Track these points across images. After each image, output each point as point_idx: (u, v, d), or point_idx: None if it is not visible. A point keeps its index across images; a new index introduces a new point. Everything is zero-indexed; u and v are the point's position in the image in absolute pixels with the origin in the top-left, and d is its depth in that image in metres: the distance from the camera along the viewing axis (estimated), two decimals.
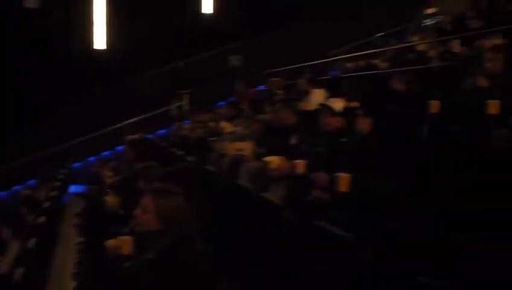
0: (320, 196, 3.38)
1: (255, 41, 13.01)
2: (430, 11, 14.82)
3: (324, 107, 4.26)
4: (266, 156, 3.98)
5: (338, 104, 4.21)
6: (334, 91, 6.67)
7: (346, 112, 4.24)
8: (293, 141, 4.61)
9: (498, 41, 6.71)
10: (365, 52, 10.22)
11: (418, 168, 3.28)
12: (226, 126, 6.18)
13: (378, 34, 13.26)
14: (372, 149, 3.71)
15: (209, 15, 13.61)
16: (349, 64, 10.13)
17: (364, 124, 4.09)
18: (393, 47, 9.58)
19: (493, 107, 3.62)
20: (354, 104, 5.25)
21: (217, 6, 13.55)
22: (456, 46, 7.67)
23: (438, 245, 2.65)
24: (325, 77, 8.42)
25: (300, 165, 3.72)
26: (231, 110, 7.07)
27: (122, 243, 2.86)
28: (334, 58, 10.66)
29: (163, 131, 11.53)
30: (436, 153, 3.22)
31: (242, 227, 3.27)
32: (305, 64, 10.29)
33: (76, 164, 11.13)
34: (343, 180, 3.19)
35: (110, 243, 3.01)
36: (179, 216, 2.24)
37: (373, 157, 3.49)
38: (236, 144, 4.47)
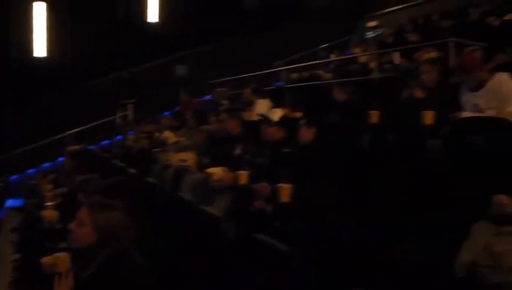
0: (263, 207, 3.39)
1: (201, 50, 12.99)
2: (371, 24, 15.31)
3: (264, 118, 4.29)
4: (210, 166, 3.96)
5: (277, 114, 4.25)
6: (278, 101, 6.75)
7: (286, 122, 4.28)
8: (237, 151, 4.61)
9: (433, 54, 7.02)
10: (310, 62, 10.39)
11: (358, 178, 3.35)
12: (169, 136, 6.11)
13: (323, 46, 13.54)
14: (314, 159, 3.75)
15: (155, 24, 13.46)
16: (294, 75, 10.29)
17: (306, 134, 4.13)
18: (336, 58, 9.81)
19: (428, 117, 3.76)
20: (297, 114, 5.33)
21: (162, 15, 13.42)
22: (396, 58, 7.94)
23: (377, 255, 2.72)
24: (270, 87, 8.48)
25: (243, 176, 3.73)
26: (175, 121, 7.00)
27: (59, 260, 2.76)
28: (279, 69, 10.78)
29: (106, 142, 11.25)
30: (376, 164, 3.30)
31: (184, 239, 3.22)
32: (251, 74, 10.36)
33: (13, 177, 10.67)
34: (285, 190, 3.21)
35: (46, 260, 2.89)
36: (117, 230, 2.19)
37: (315, 168, 3.53)
38: (180, 155, 4.42)
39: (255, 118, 5.34)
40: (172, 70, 13.02)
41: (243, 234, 2.60)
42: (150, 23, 13.36)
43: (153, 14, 13.33)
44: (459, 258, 1.95)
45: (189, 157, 4.31)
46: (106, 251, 2.14)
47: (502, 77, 3.74)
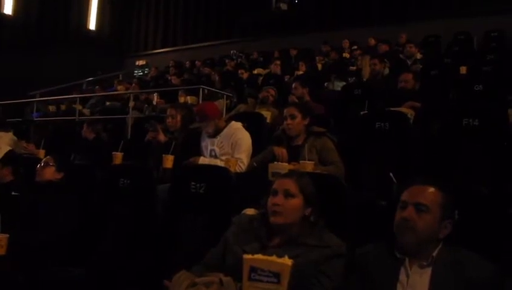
0: None
1: None
2: (140, 62, 15.50)
3: None
4: None
5: (2, 150, 3.79)
6: (24, 135, 6.16)
7: (14, 161, 3.85)
8: None
9: (190, 99, 7.32)
10: (69, 96, 9.85)
11: (89, 221, 3.18)
12: None
13: (88, 79, 13.10)
14: (45, 201, 3.42)
15: None
16: (50, 107, 9.61)
17: (45, 174, 3.77)
18: (97, 94, 9.53)
19: (168, 161, 3.82)
20: (40, 152, 4.90)
21: None
22: (155, 99, 8.06)
23: None
24: (17, 119, 7.71)
25: None
26: None
27: None
28: (34, 100, 9.95)
29: None
30: (106, 208, 3.17)
31: None
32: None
33: None
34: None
35: None
36: None
37: (43, 212, 3.22)
38: None
39: None
40: None
41: None
42: None
43: None
44: None
45: None
46: None
47: (235, 125, 4.04)
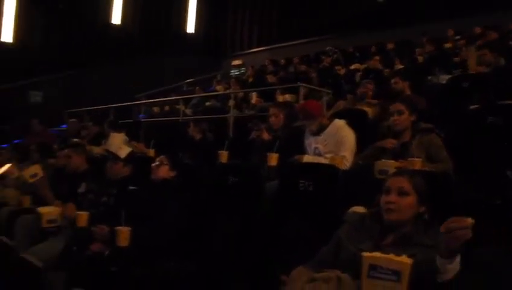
0: (100, 251, 3.19)
1: (57, 77, 12.34)
2: (236, 62, 15.85)
3: (110, 154, 4.07)
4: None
5: (124, 150, 4.05)
6: (134, 136, 6.57)
7: (134, 160, 4.11)
8: (81, 189, 4.33)
9: (289, 96, 7.38)
10: (173, 98, 10.36)
11: (197, 220, 3.33)
12: (10, 171, 5.52)
13: (188, 80, 13.66)
14: (159, 199, 3.64)
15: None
16: (155, 109, 10.15)
17: (160, 172, 4.01)
18: (197, 95, 9.90)
19: (273, 160, 3.90)
20: (150, 151, 5.21)
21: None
22: (253, 98, 8.22)
23: None
24: (128, 120, 8.24)
25: (83, 217, 3.49)
26: (17, 153, 6.41)
27: None
28: (140, 102, 10.58)
29: None
30: (215, 205, 3.30)
31: None
32: (111, 105, 10.01)
33: None
34: (123, 233, 3.05)
35: None
36: None
37: (157, 208, 3.42)
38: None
39: (103, 153, 5.10)
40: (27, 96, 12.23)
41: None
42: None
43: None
44: None
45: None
46: None
47: (339, 123, 4.02)
